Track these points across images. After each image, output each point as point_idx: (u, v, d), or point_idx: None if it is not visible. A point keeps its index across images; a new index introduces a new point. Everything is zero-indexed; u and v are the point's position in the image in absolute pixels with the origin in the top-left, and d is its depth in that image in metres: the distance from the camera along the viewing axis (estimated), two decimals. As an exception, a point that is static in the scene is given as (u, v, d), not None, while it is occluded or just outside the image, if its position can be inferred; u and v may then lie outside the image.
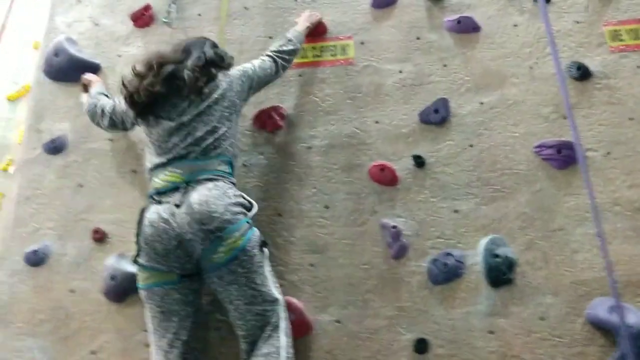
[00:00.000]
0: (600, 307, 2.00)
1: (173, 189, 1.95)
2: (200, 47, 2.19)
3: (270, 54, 2.37)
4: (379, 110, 2.52)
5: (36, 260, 2.37)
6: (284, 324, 1.91)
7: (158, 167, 2.02)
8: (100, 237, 2.37)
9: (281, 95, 2.60)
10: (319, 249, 2.28)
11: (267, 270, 1.97)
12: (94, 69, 2.75)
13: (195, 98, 2.06)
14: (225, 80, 2.15)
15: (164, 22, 2.82)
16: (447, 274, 2.15)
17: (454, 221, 2.26)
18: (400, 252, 2.22)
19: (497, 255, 2.13)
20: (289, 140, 2.50)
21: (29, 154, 2.59)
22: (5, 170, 3.10)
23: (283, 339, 1.87)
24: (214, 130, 2.04)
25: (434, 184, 2.35)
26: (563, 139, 2.31)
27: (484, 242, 2.18)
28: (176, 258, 1.89)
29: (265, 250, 1.99)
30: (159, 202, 1.94)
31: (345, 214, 2.33)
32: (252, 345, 1.88)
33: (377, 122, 2.50)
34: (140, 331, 2.19)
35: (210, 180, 1.96)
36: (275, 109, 2.55)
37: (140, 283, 1.95)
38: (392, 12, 2.74)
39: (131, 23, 2.85)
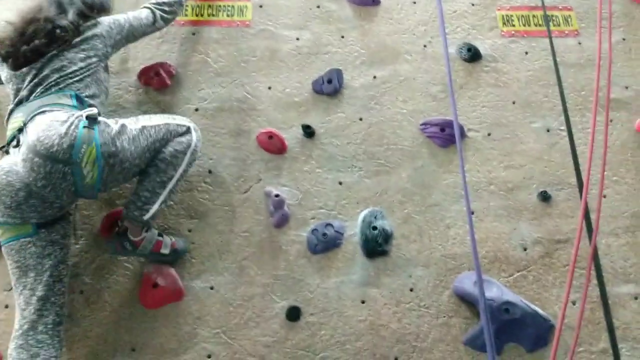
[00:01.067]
0: (467, 281, 2.08)
1: (14, 136, 1.82)
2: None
3: (149, 5, 2.25)
4: (272, 76, 2.47)
5: None
6: (195, 138, 1.98)
7: (9, 116, 1.89)
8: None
9: (170, 52, 2.49)
10: (198, 215, 2.21)
11: (142, 124, 1.89)
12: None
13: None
14: (92, 27, 2.02)
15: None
16: (325, 243, 2.16)
17: (337, 192, 2.27)
18: (282, 221, 2.20)
19: (374, 228, 2.16)
20: (175, 101, 2.40)
21: None
22: None
23: (194, 136, 1.98)
24: (60, 68, 1.90)
25: (321, 154, 2.33)
26: (447, 118, 2.36)
27: (363, 214, 2.20)
28: (30, 208, 1.77)
29: (116, 121, 1.85)
30: (7, 153, 1.82)
31: (229, 180, 2.28)
32: None
33: (269, 88, 2.45)
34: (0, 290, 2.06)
35: (43, 113, 1.80)
36: (163, 65, 2.44)
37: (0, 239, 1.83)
38: (294, -22, 2.68)
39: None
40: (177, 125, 1.97)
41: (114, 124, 1.83)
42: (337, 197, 2.26)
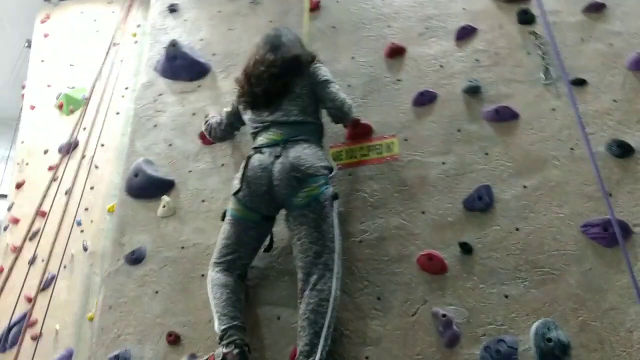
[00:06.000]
0: (664, 390, 1.92)
1: (273, 144, 2.51)
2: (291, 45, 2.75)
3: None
4: (424, 201, 2.64)
5: (118, 364, 2.59)
6: (336, 269, 2.29)
7: (262, 129, 2.62)
8: (173, 339, 2.56)
9: (332, 195, 2.78)
10: (373, 341, 2.35)
11: (335, 221, 2.38)
12: (169, 185, 3.07)
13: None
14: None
15: (228, 137, 3.13)
16: (500, 360, 2.15)
17: (504, 306, 2.28)
18: (453, 341, 2.25)
19: (549, 340, 2.12)
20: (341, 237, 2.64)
21: (112, 266, 2.90)
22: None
23: (334, 281, 2.26)
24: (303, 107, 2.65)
25: (483, 269, 2.39)
26: (609, 216, 2.31)
27: (535, 326, 2.18)
28: (263, 200, 2.46)
29: (335, 204, 2.43)
30: (261, 152, 2.52)
31: (397, 304, 2.41)
32: (307, 277, 2.29)
33: (423, 212, 2.61)
34: None
35: (305, 141, 2.52)
36: (327, 208, 2.72)
37: (231, 210, 2.53)
38: (432, 109, 2.92)
39: (199, 141, 3.18)
40: (330, 254, 2.32)
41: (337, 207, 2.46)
42: (505, 311, 2.27)
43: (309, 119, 2.65)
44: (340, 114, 2.73)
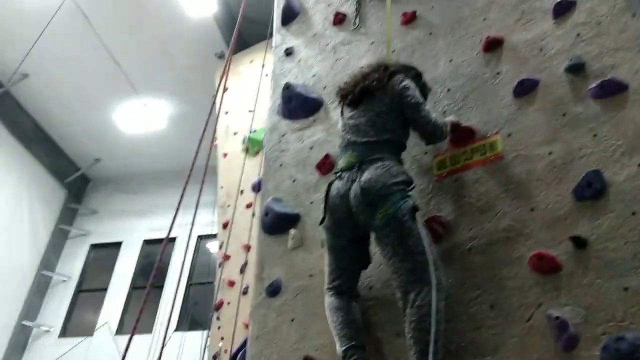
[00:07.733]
0: None
1: (350, 167, 2.57)
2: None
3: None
4: (532, 197, 2.52)
5: (267, 390, 2.87)
6: (434, 281, 2.25)
7: (343, 150, 2.71)
8: (312, 363, 2.78)
9: (439, 205, 2.78)
10: (489, 351, 2.30)
11: (422, 233, 2.36)
12: (295, 218, 3.33)
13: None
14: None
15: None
16: (622, 361, 1.98)
17: (623, 300, 2.09)
18: (570, 344, 2.12)
19: (673, 333, 1.90)
20: (449, 246, 2.64)
21: (256, 300, 3.22)
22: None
23: (434, 294, 2.22)
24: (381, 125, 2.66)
25: (598, 263, 2.22)
26: None
27: (657, 319, 1.97)
28: (346, 225, 2.55)
29: (418, 216, 2.40)
30: (340, 177, 2.60)
31: (511, 311, 2.33)
32: (405, 295, 2.29)
33: (532, 209, 2.50)
34: None
35: (380, 159, 2.52)
36: (435, 219, 2.73)
37: (325, 239, 2.68)
38: (535, 96, 2.77)
39: (317, 172, 3.40)
40: (423, 267, 2.31)
41: (420, 218, 2.44)
42: (625, 306, 2.08)
43: (387, 137, 2.64)
44: (432, 140, 2.80)
